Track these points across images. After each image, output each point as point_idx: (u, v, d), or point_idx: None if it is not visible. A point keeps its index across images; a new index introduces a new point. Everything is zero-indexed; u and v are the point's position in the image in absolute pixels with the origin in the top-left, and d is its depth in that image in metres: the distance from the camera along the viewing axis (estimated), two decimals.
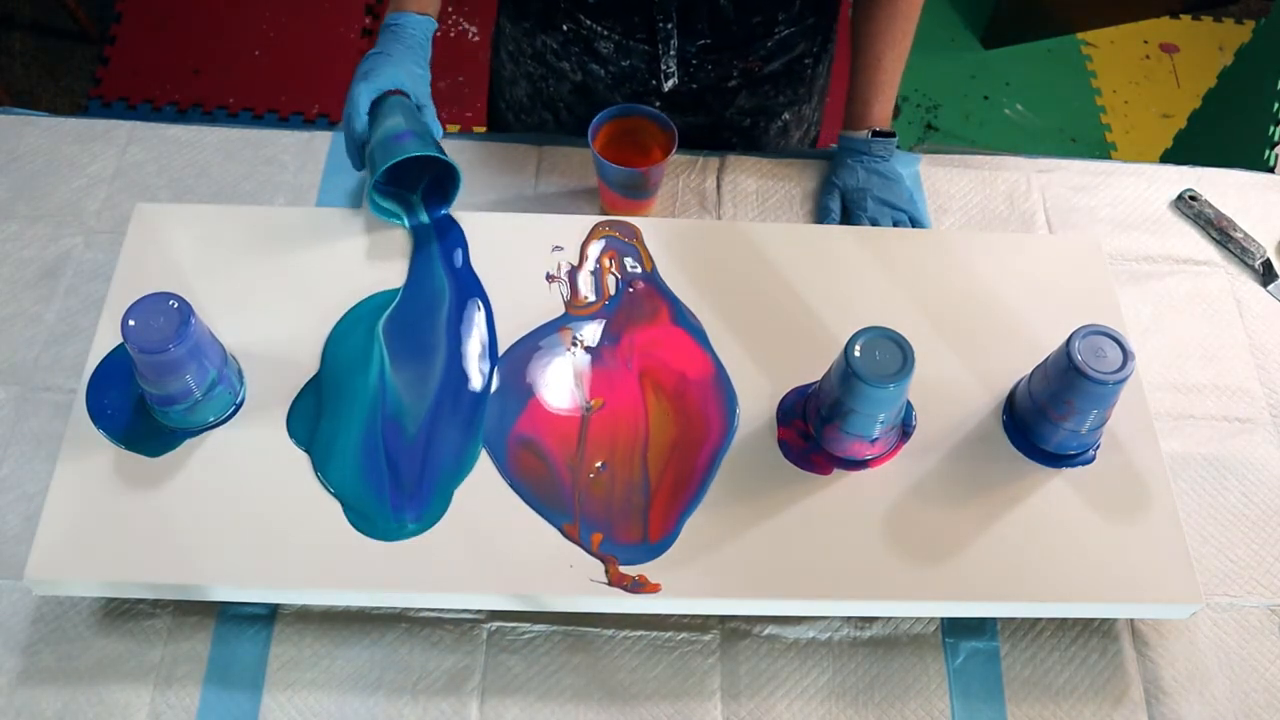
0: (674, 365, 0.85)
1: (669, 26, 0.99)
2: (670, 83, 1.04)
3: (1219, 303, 1.00)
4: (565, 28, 1.04)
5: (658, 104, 1.05)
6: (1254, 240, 1.03)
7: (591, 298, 0.89)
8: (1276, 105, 1.43)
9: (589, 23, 1.02)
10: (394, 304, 0.87)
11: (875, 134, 0.99)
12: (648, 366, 0.85)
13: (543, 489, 0.79)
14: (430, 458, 0.79)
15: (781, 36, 1.03)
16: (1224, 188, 1.07)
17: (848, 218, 1.00)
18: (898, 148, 1.03)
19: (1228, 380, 0.95)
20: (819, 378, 0.82)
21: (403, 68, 0.91)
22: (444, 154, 0.86)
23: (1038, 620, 0.82)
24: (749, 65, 1.04)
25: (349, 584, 0.74)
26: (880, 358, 0.75)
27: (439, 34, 1.02)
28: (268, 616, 0.79)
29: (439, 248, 0.91)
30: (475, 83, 2.24)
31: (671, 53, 1.01)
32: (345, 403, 0.82)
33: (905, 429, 0.83)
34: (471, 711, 0.76)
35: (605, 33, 1.02)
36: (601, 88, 1.07)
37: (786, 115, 1.13)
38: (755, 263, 0.92)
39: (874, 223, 0.98)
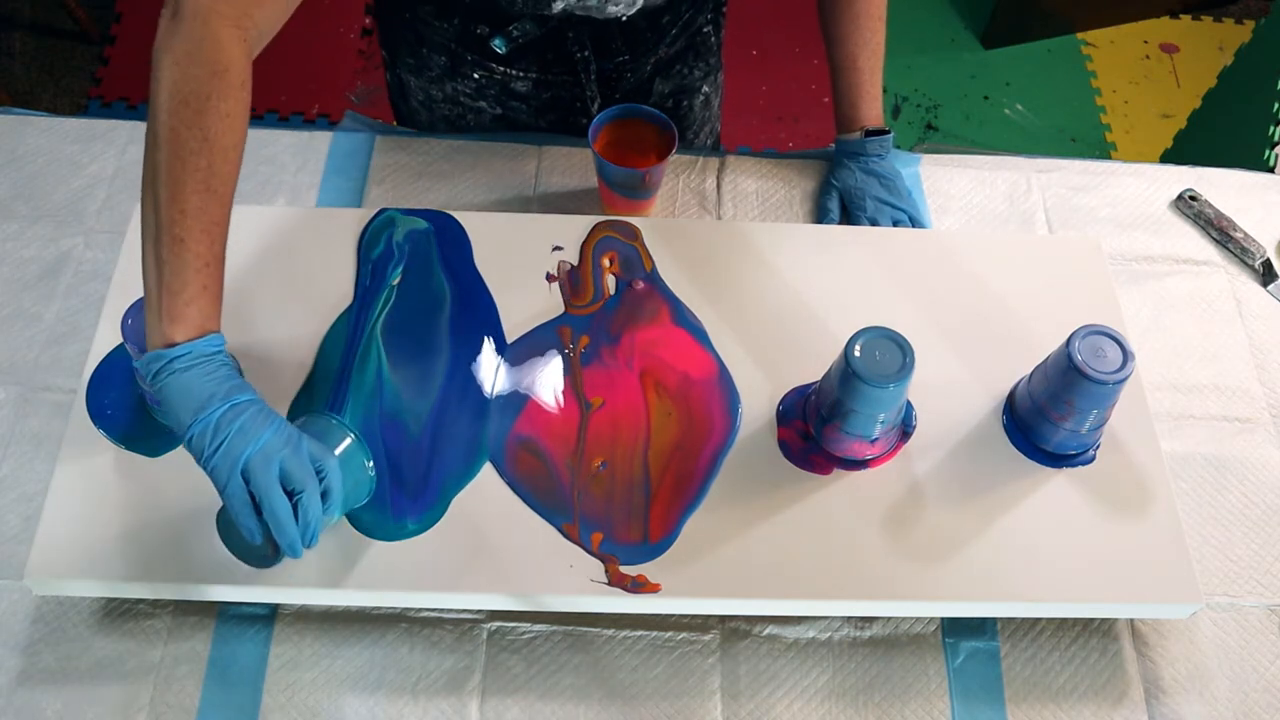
0: (676, 365, 0.85)
1: (586, 54, 0.99)
2: (596, 104, 1.04)
3: (1219, 303, 1.00)
4: (476, 75, 1.02)
5: (585, 122, 1.02)
6: (1254, 240, 1.03)
7: (591, 298, 0.89)
8: (1276, 105, 1.43)
9: (501, 68, 1.01)
10: (391, 303, 0.87)
11: (869, 133, 0.99)
12: (648, 366, 0.85)
13: (542, 489, 0.79)
14: (436, 459, 0.79)
15: (685, 20, 1.03)
16: (1224, 188, 1.07)
17: (847, 218, 1.00)
18: (896, 147, 1.03)
19: (1228, 380, 0.95)
20: (819, 378, 0.82)
21: (271, 415, 0.68)
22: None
23: (1038, 620, 0.81)
24: (659, 55, 1.05)
25: (349, 584, 0.74)
26: (880, 358, 0.75)
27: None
28: (268, 616, 0.79)
29: (439, 247, 0.91)
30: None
31: (593, 77, 1.01)
32: (341, 402, 0.82)
33: (905, 429, 0.83)
34: (471, 711, 0.76)
35: (520, 74, 1.01)
36: (524, 118, 1.07)
37: (706, 88, 1.13)
38: (755, 263, 0.92)
39: (873, 222, 0.98)
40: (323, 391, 0.82)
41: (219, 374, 0.67)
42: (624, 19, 0.95)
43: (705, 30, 1.07)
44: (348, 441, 0.72)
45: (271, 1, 0.74)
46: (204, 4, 0.69)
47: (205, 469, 0.66)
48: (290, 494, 0.66)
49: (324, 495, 0.68)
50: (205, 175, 0.68)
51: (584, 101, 1.04)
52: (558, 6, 0.90)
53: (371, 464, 0.73)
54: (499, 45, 0.96)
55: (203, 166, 0.68)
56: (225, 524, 0.69)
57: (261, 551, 0.68)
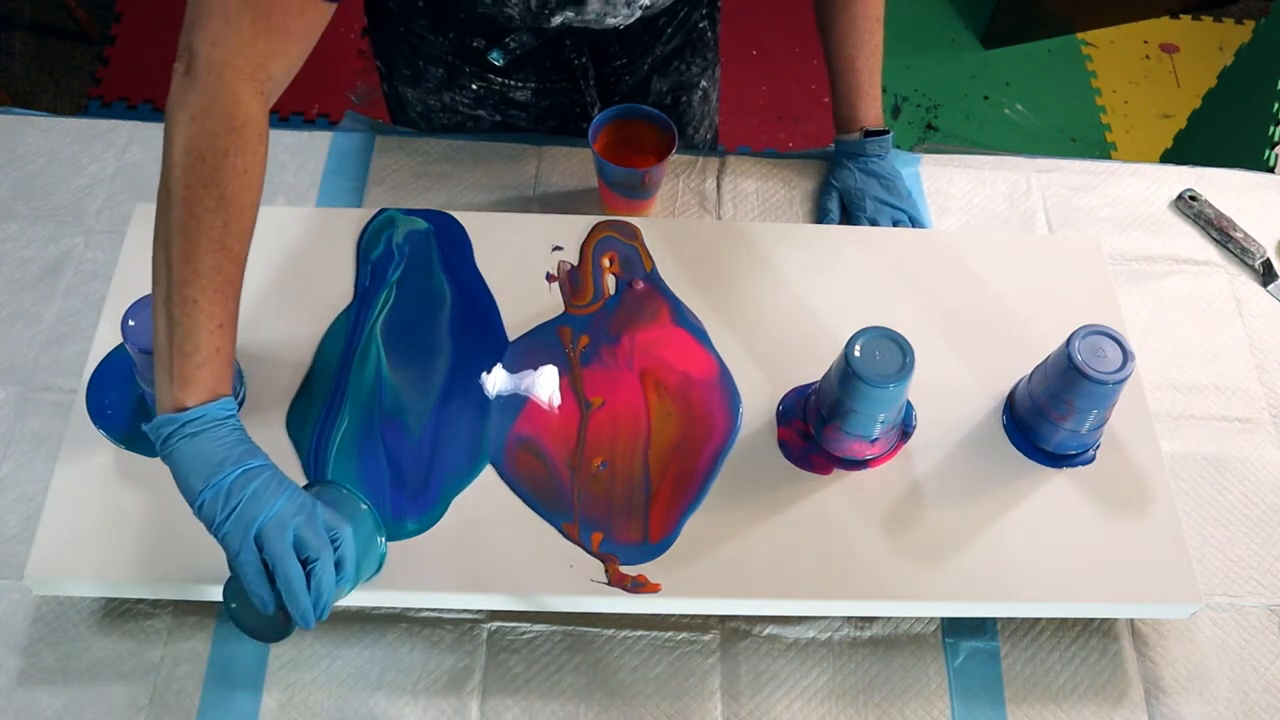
0: (676, 365, 0.85)
1: (584, 61, 0.99)
2: (596, 108, 1.04)
3: (1219, 303, 1.00)
4: (475, 86, 1.02)
5: (585, 126, 1.01)
6: (1254, 240, 1.03)
7: (591, 297, 0.89)
8: (1276, 105, 1.43)
9: (500, 79, 1.01)
10: (390, 303, 0.87)
11: (868, 133, 0.99)
12: (649, 366, 0.85)
13: (541, 488, 0.79)
14: (436, 460, 0.79)
15: (680, 17, 1.03)
16: (1224, 188, 1.07)
17: (847, 218, 1.00)
18: (896, 147, 1.03)
19: (1228, 380, 0.95)
20: (819, 378, 0.82)
21: (284, 481, 0.67)
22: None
23: (1038, 620, 0.81)
24: (656, 54, 1.05)
25: None
26: (880, 358, 0.75)
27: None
28: None
29: (438, 247, 0.91)
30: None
31: (591, 83, 1.01)
32: (341, 402, 0.82)
33: (905, 429, 0.83)
34: (471, 711, 0.76)
35: (519, 84, 1.01)
36: (524, 125, 1.07)
37: (704, 83, 1.13)
38: (755, 263, 0.92)
39: (873, 222, 0.98)
40: (321, 390, 0.82)
41: (230, 439, 0.66)
42: (621, 28, 0.95)
43: (701, 26, 1.08)
44: (361, 510, 0.71)
45: (286, 52, 0.71)
46: (219, 58, 0.68)
47: (216, 536, 0.64)
48: (303, 562, 0.64)
49: (338, 565, 0.66)
50: (220, 234, 0.66)
51: (584, 106, 1.04)
52: (556, 20, 0.90)
53: (384, 539, 0.72)
54: (496, 58, 0.96)
55: (218, 225, 0.66)
56: (233, 595, 0.67)
57: (273, 623, 0.65)
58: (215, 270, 0.66)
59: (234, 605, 0.67)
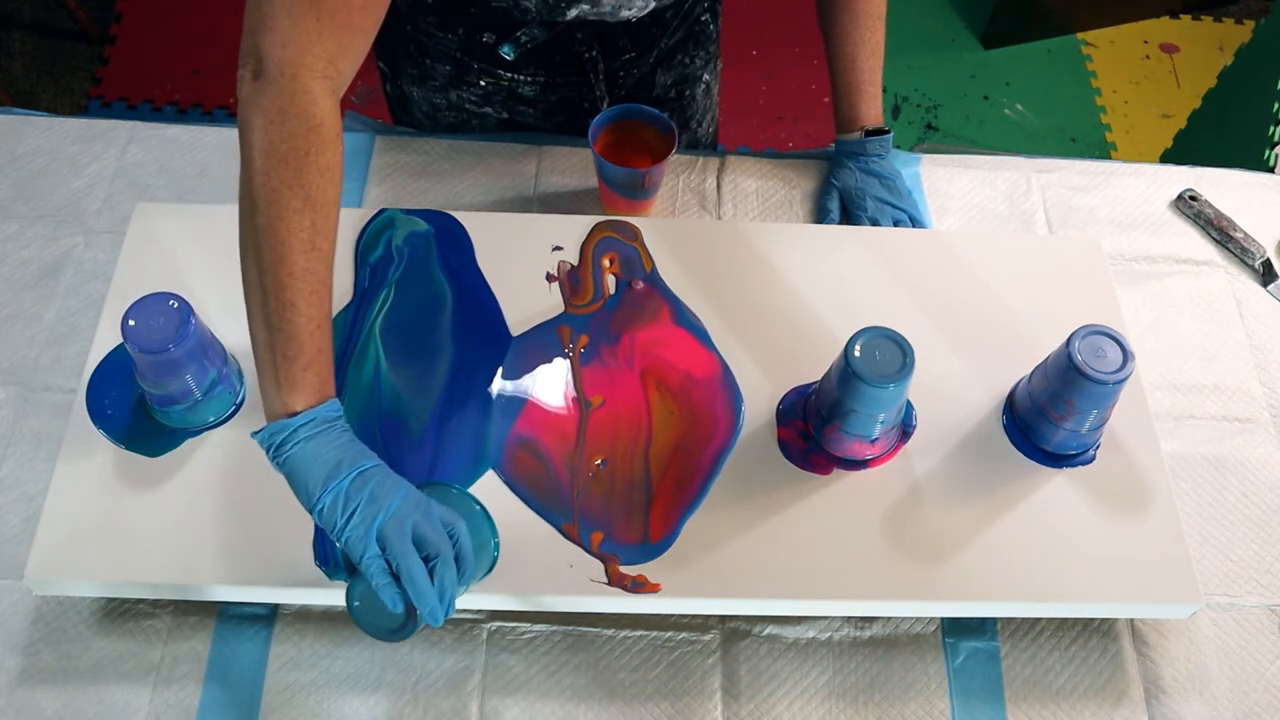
0: (678, 364, 0.85)
1: (593, 54, 0.99)
2: (605, 102, 1.04)
3: (1219, 303, 1.00)
4: (483, 83, 1.02)
5: (589, 122, 1.01)
6: (1254, 240, 1.03)
7: (591, 297, 0.89)
8: (1276, 105, 1.43)
9: (509, 74, 1.01)
10: (389, 303, 0.87)
11: (868, 132, 0.99)
12: (650, 365, 0.85)
13: (541, 488, 0.79)
14: (437, 461, 0.79)
15: (684, 10, 1.03)
16: (1224, 188, 1.07)
17: (847, 218, 1.00)
18: (896, 147, 1.03)
19: (1228, 380, 0.95)
20: (819, 378, 0.82)
21: (398, 479, 0.67)
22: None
23: (1038, 620, 0.82)
24: (660, 48, 1.05)
25: None
26: (880, 358, 0.75)
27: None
28: (268, 616, 0.79)
29: (438, 248, 0.91)
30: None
31: (601, 76, 1.01)
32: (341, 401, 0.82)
33: (905, 429, 0.83)
34: (471, 711, 0.76)
35: (528, 79, 1.01)
36: (531, 122, 1.06)
37: (706, 76, 1.13)
38: (755, 263, 0.92)
39: (874, 222, 0.98)
40: None
41: (342, 440, 0.66)
42: (633, 20, 0.95)
43: (704, 19, 1.08)
44: (475, 510, 0.72)
45: (353, 48, 0.71)
46: (290, 59, 0.67)
47: (339, 540, 0.65)
48: (424, 559, 0.65)
49: (457, 559, 0.66)
50: (309, 234, 0.66)
51: (592, 101, 1.04)
52: (571, 13, 0.90)
53: (497, 540, 0.72)
54: (507, 52, 0.96)
55: (306, 225, 0.66)
56: (356, 597, 0.67)
57: (398, 621, 0.66)
58: (308, 272, 0.66)
59: (357, 605, 0.67)
